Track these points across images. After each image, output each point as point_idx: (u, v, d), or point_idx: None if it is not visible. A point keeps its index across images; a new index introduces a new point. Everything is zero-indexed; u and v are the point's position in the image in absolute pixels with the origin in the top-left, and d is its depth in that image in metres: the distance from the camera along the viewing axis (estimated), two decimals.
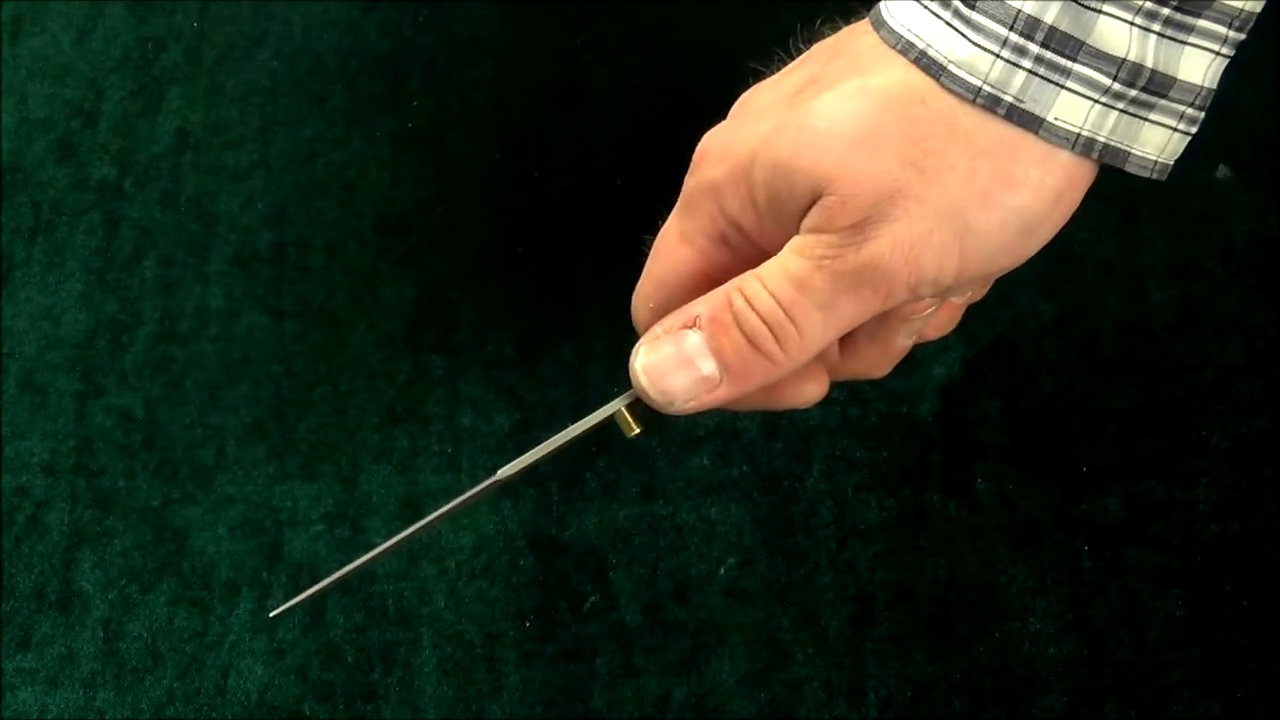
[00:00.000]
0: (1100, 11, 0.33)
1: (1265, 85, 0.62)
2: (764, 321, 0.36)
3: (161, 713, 0.57)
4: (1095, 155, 0.35)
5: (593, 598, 0.58)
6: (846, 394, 0.60)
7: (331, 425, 0.61)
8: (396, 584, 0.58)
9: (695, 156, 0.39)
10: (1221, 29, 0.34)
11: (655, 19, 0.67)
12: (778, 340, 0.36)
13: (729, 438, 0.60)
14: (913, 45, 0.35)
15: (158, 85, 0.68)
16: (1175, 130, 0.35)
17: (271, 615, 0.42)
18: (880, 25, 0.36)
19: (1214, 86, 0.35)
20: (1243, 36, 0.34)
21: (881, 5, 0.36)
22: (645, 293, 0.40)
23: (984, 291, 0.41)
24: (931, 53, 0.34)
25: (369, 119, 0.66)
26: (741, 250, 0.38)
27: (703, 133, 0.69)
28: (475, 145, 0.65)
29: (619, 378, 0.61)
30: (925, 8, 0.35)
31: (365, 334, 0.63)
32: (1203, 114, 0.35)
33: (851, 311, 0.36)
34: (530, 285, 0.63)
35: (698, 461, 0.60)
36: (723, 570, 0.58)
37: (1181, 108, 0.35)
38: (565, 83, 0.66)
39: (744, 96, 0.39)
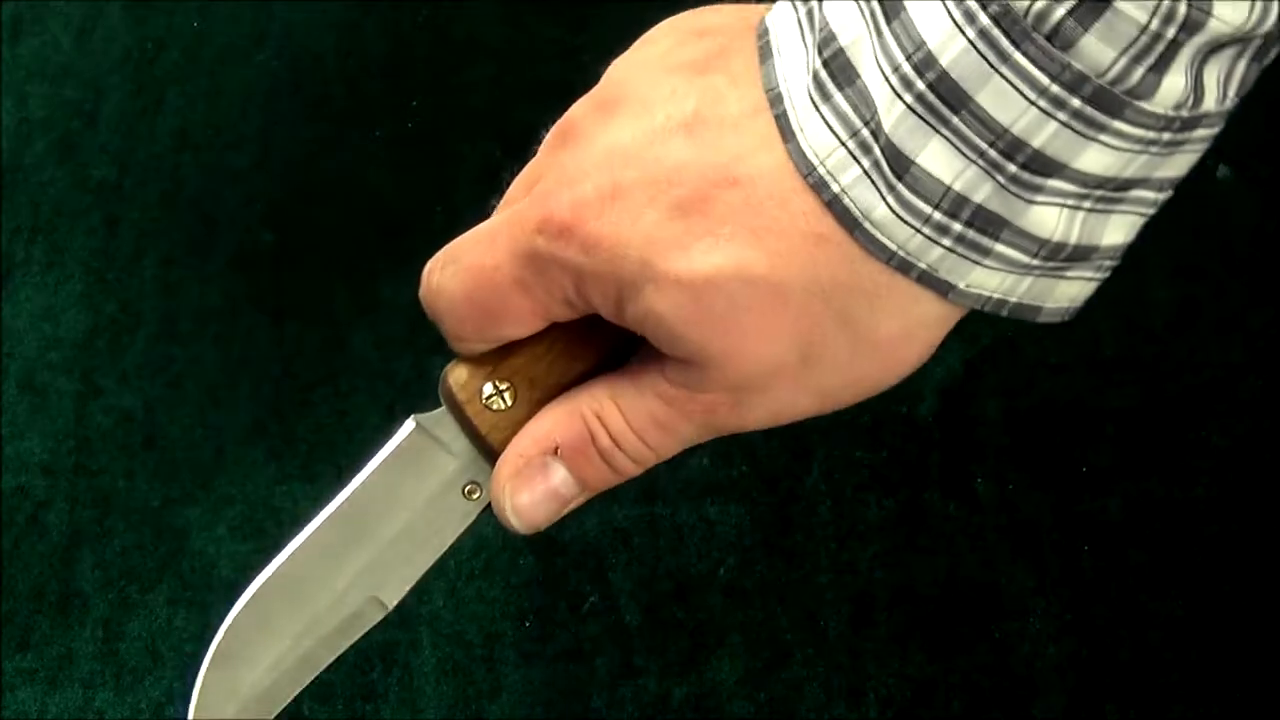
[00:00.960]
0: (1033, 202, 0.30)
1: (1265, 85, 0.62)
2: (630, 457, 0.36)
3: (161, 713, 0.57)
4: (1005, 313, 0.33)
5: (592, 598, 0.58)
6: None
7: (331, 425, 0.61)
8: None
9: (555, 218, 0.34)
10: (1151, 194, 0.31)
11: (655, 19, 0.67)
12: (639, 465, 0.37)
13: (729, 438, 0.60)
14: (827, 186, 0.31)
15: (157, 85, 0.68)
16: (1090, 281, 0.33)
17: None
18: (789, 135, 0.31)
19: (1133, 239, 0.32)
20: (1170, 195, 0.32)
21: (786, 101, 0.31)
22: (459, 312, 0.37)
23: None
24: (847, 202, 0.31)
25: (369, 119, 0.66)
26: (586, 313, 0.36)
27: None
28: (475, 145, 0.65)
29: None
30: (842, 144, 0.31)
31: (365, 334, 0.63)
32: (1119, 261, 0.33)
33: (703, 440, 0.37)
34: None
35: (697, 462, 0.59)
36: (722, 570, 0.58)
37: (1100, 261, 0.32)
38: (565, 83, 0.66)
39: (592, 121, 0.35)
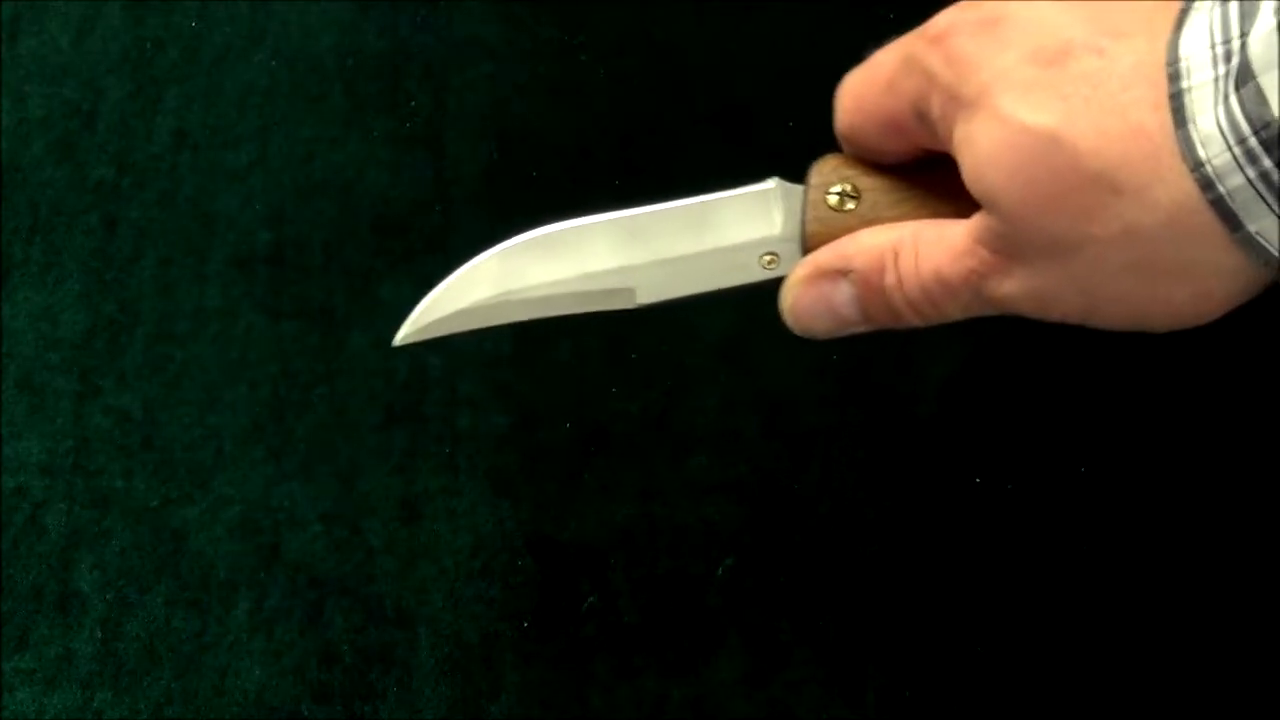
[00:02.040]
0: None
1: None
2: (909, 303, 0.39)
3: (159, 713, 0.57)
4: None
5: (591, 598, 0.58)
6: (846, 394, 0.60)
7: (329, 425, 0.61)
8: (394, 584, 0.58)
9: (935, 28, 0.37)
10: None
11: (654, 19, 0.67)
12: (918, 314, 0.39)
13: (728, 437, 0.60)
14: (1177, 80, 0.32)
15: (156, 85, 0.68)
16: None
17: (396, 344, 0.45)
18: (1177, 28, 0.32)
19: None
20: None
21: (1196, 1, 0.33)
22: (846, 103, 0.40)
23: None
24: (1186, 100, 0.32)
25: (367, 119, 0.66)
26: (926, 137, 0.38)
27: (700, 135, 0.69)
28: (474, 145, 0.65)
29: (618, 376, 0.61)
30: (1211, 47, 0.31)
31: (363, 334, 0.62)
32: None
33: (982, 312, 0.39)
34: None
35: (697, 461, 0.59)
36: (722, 570, 0.58)
37: None
38: (565, 82, 0.66)
39: None
